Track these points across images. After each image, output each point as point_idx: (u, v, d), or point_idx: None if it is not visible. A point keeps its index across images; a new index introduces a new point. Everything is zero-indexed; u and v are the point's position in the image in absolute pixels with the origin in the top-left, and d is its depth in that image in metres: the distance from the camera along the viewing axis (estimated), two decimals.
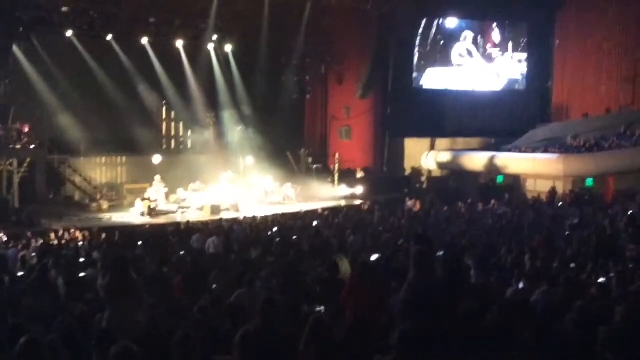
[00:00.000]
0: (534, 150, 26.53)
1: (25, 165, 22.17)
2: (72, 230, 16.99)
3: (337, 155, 28.03)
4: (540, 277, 8.53)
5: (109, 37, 24.47)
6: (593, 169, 23.71)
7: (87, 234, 16.89)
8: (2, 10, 20.32)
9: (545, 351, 4.86)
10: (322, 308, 6.25)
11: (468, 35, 31.81)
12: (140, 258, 11.02)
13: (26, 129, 22.30)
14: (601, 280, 8.54)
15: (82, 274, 10.57)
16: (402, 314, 5.22)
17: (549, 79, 32.54)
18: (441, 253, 6.68)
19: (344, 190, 26.34)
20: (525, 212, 18.77)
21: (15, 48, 22.25)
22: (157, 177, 22.79)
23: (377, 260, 8.52)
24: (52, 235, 16.36)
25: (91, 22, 23.91)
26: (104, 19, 24.15)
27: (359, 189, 26.39)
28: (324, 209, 21.21)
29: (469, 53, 31.94)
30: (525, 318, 5.34)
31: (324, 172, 28.04)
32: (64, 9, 23.11)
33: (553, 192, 23.06)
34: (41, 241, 15.20)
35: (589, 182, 23.82)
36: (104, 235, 16.46)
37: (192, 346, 4.37)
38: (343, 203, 23.95)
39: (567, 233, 13.82)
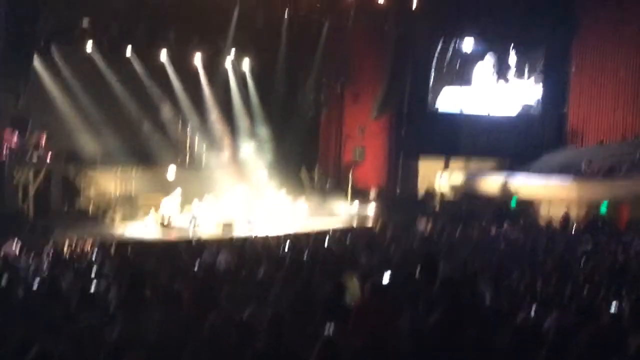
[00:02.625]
0: (548, 175, 26.40)
1: (41, 176, 22.33)
2: (85, 242, 17.04)
3: (350, 175, 28.04)
4: (552, 303, 8.49)
5: (128, 51, 24.72)
6: (607, 195, 23.54)
7: (99, 246, 16.94)
8: (23, 23, 20.58)
9: None
10: (332, 327, 6.23)
11: (489, 56, 31.84)
12: (152, 272, 11.05)
13: (43, 141, 22.52)
14: (614, 307, 8.47)
15: (93, 286, 10.62)
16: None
17: (565, 104, 32.41)
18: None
19: (356, 209, 26.30)
20: (538, 236, 18.65)
21: (35, 60, 22.49)
22: (178, 190, 22.90)
23: (388, 282, 8.48)
24: (65, 247, 16.41)
25: (110, 37, 24.17)
26: (124, 33, 24.41)
27: (372, 209, 26.35)
28: (335, 229, 21.17)
29: (489, 75, 31.96)
30: (536, 343, 5.30)
31: (337, 191, 28.03)
32: (85, 23, 23.39)
33: (566, 217, 22.91)
34: (54, 252, 15.25)
35: (603, 208, 23.65)
36: (116, 248, 16.50)
37: None
38: (355, 222, 23.89)
39: (580, 259, 13.72)
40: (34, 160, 22.13)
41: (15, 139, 21.92)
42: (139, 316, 6.31)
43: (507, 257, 14.46)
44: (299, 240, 18.59)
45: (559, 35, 31.60)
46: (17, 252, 15.61)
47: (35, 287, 10.58)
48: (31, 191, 21.99)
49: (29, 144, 22.13)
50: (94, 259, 15.09)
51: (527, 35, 31.33)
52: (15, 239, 16.89)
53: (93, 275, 12.19)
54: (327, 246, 16.55)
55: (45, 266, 13.40)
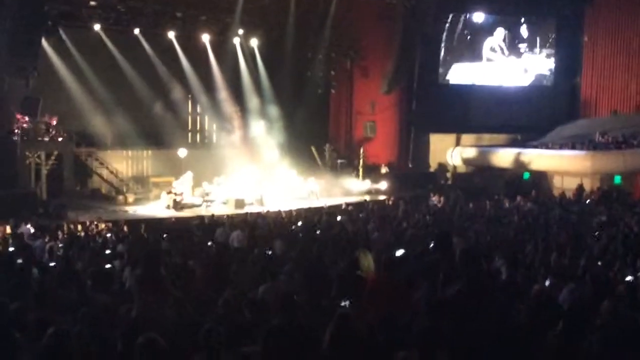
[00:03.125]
0: (561, 147, 26.22)
1: (53, 157, 22.46)
2: (98, 223, 17.15)
3: (361, 150, 27.96)
4: (567, 275, 8.44)
5: (136, 31, 24.63)
6: (621, 166, 23.37)
7: (112, 226, 17.04)
8: (31, 5, 20.52)
9: (573, 349, 4.80)
10: (347, 303, 6.22)
11: (499, 30, 31.51)
12: (166, 251, 11.09)
13: (54, 122, 22.58)
14: (629, 278, 8.42)
15: (107, 266, 10.68)
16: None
17: (577, 75, 32.09)
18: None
19: (368, 185, 26.27)
20: (552, 209, 18.56)
21: (44, 42, 22.47)
22: (189, 173, 22.97)
23: (402, 256, 8.46)
24: (79, 227, 16.51)
25: (118, 16, 24.07)
26: (131, 13, 24.29)
27: (383, 184, 26.32)
28: (347, 204, 21.16)
29: (500, 49, 31.66)
30: (553, 315, 5.27)
31: (349, 167, 27.98)
32: (92, 3, 23.29)
33: (580, 189, 22.78)
34: (68, 232, 15.36)
35: (617, 179, 23.49)
36: (129, 228, 16.58)
37: (218, 339, 4.37)
38: (367, 198, 23.85)
39: (594, 231, 13.65)
40: (46, 141, 22.21)
41: (26, 120, 22.00)
42: (158, 296, 6.31)
43: (520, 230, 14.39)
44: (311, 216, 18.61)
45: (571, 6, 31.19)
46: (32, 233, 15.72)
47: (50, 267, 10.66)
48: (43, 172, 22.13)
49: (40, 125, 22.19)
50: (107, 238, 15.20)
51: (538, 7, 30.96)
52: (30, 220, 17.04)
53: (107, 254, 12.26)
54: (340, 222, 16.54)
55: (59, 246, 13.48)
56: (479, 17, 31.23)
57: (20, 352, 4.60)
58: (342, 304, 6.24)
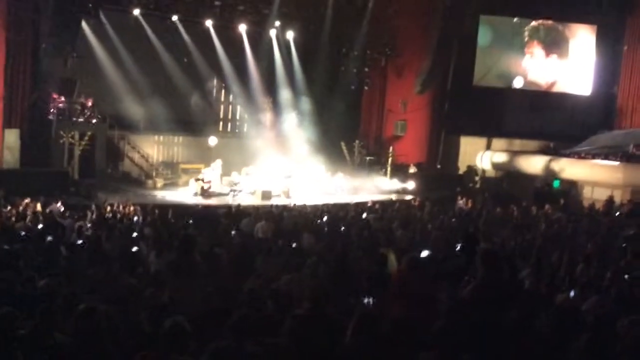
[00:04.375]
0: (593, 157, 25.87)
1: (86, 138, 22.80)
2: (127, 205, 17.37)
3: (391, 149, 27.90)
4: (591, 287, 8.37)
5: (174, 17, 24.85)
6: None
7: (140, 209, 17.25)
8: None
9: None
10: (370, 300, 6.25)
11: (538, 34, 31.22)
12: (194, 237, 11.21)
13: (89, 104, 22.91)
14: None
15: (134, 248, 10.85)
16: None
17: (615, 85, 31.61)
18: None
19: (395, 184, 26.21)
20: (580, 219, 18.35)
21: (83, 24, 22.77)
22: (219, 162, 23.18)
23: (427, 257, 8.46)
24: (108, 209, 16.75)
25: (158, 2, 24.30)
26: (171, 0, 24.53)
27: (411, 184, 26.23)
28: (374, 202, 21.14)
29: (535, 53, 31.35)
30: (576, 327, 5.25)
31: (377, 165, 27.94)
32: None
33: (610, 200, 22.46)
34: (97, 213, 15.60)
35: None
36: (157, 212, 16.79)
37: (247, 327, 4.43)
38: (394, 197, 23.80)
39: (622, 244, 13.47)
40: (81, 121, 22.57)
41: (62, 100, 22.36)
42: (189, 281, 6.38)
43: (547, 238, 14.27)
44: (337, 211, 18.66)
45: (612, 14, 30.72)
46: (62, 211, 16.01)
47: (78, 246, 10.85)
48: (76, 152, 22.48)
49: (75, 106, 22.54)
50: (135, 221, 15.41)
51: (578, 14, 30.55)
52: (60, 198, 17.34)
53: (134, 237, 12.44)
54: (365, 219, 16.56)
55: (88, 226, 13.70)
56: (515, 19, 30.96)
57: (49, 326, 4.71)
58: (366, 301, 6.28)
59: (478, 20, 30.34)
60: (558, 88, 31.94)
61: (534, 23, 31.20)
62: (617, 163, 24.10)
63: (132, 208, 17.19)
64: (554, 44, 31.55)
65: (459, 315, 4.94)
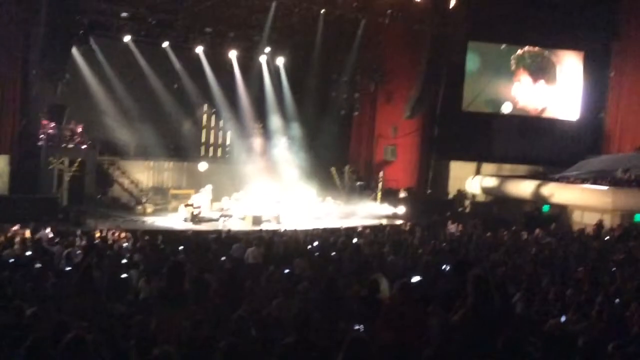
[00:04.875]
0: (582, 181, 26.01)
1: (76, 164, 22.74)
2: (117, 231, 17.27)
3: (381, 174, 27.96)
4: (582, 312, 8.36)
5: (165, 44, 24.97)
6: None
7: (130, 235, 17.15)
8: (63, 14, 20.90)
9: None
10: (361, 327, 6.22)
11: (525, 61, 31.57)
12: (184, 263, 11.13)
13: (79, 129, 22.91)
14: None
15: (123, 275, 10.76)
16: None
17: (602, 110, 31.91)
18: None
19: (386, 209, 26.23)
20: (570, 243, 18.38)
21: (74, 50, 22.84)
22: (209, 187, 23.18)
23: (418, 282, 8.44)
24: (97, 235, 16.64)
25: (148, 29, 24.42)
26: (161, 26, 24.65)
27: (401, 209, 26.26)
28: (364, 227, 21.13)
29: (523, 81, 31.68)
30: (567, 352, 5.23)
31: (367, 190, 27.98)
32: (123, 14, 23.69)
33: (600, 225, 22.54)
34: (86, 239, 15.49)
35: (637, 217, 23.21)
36: (146, 238, 16.69)
37: (235, 356, 4.39)
38: (384, 222, 23.80)
39: (612, 268, 13.49)
40: (70, 147, 22.52)
41: (52, 126, 22.33)
42: (178, 309, 6.33)
43: (537, 263, 14.27)
44: (327, 236, 18.60)
45: (599, 41, 31.11)
46: (51, 238, 15.88)
47: (67, 273, 10.76)
48: (66, 178, 22.40)
49: (65, 132, 22.50)
50: (124, 247, 15.30)
51: (565, 40, 30.93)
52: (49, 225, 17.22)
53: (124, 263, 12.34)
54: (356, 244, 16.51)
55: (77, 253, 13.59)
56: (504, 46, 31.32)
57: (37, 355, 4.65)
58: (356, 327, 6.24)
59: (466, 47, 30.68)
60: (547, 114, 32.21)
61: (519, 51, 31.57)
62: (606, 188, 24.22)
63: (122, 234, 17.09)
64: (541, 70, 31.91)
65: (449, 341, 4.92)
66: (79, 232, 16.69)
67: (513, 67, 31.63)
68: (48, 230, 16.51)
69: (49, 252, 13.07)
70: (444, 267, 12.14)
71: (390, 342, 5.29)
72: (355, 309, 7.60)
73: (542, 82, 31.90)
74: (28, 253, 13.22)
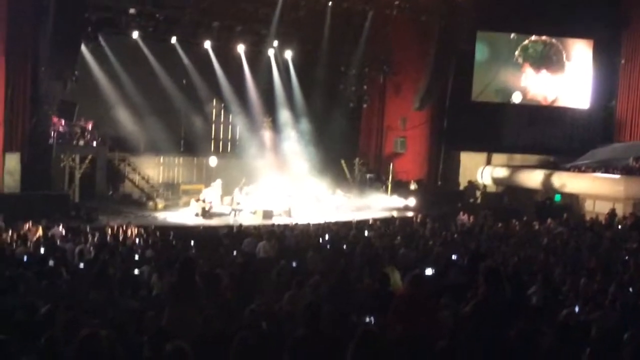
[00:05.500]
0: (594, 170, 25.87)
1: (87, 161, 22.83)
2: (128, 228, 17.34)
3: (391, 166, 27.92)
4: (596, 301, 8.33)
5: (173, 39, 24.98)
6: None
7: (142, 231, 17.23)
8: (72, 11, 20.94)
9: None
10: (372, 319, 6.21)
11: (535, 49, 31.36)
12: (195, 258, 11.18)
13: (89, 126, 22.99)
14: None
15: (136, 271, 10.82)
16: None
17: (613, 98, 31.68)
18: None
19: (396, 201, 26.20)
20: (582, 233, 18.30)
21: (83, 47, 22.89)
22: (219, 181, 23.22)
23: (430, 275, 8.43)
24: (109, 231, 16.73)
25: (156, 25, 24.43)
26: (169, 22, 24.65)
27: (412, 201, 26.22)
28: (375, 219, 21.12)
29: (530, 72, 31.48)
30: (581, 342, 5.21)
31: (377, 182, 27.95)
32: (131, 11, 23.69)
33: (612, 214, 22.42)
34: (98, 236, 15.57)
35: None
36: (158, 234, 16.76)
37: (248, 350, 4.40)
38: (395, 214, 23.79)
39: (625, 257, 13.43)
40: (81, 144, 22.61)
41: (62, 124, 22.42)
42: (190, 304, 6.35)
43: (550, 253, 14.21)
44: (338, 229, 18.62)
45: (608, 28, 30.84)
46: (63, 235, 15.98)
47: (79, 269, 10.82)
48: (77, 175, 22.50)
49: (75, 129, 22.59)
50: (137, 243, 15.38)
51: (575, 28, 30.67)
52: (61, 222, 17.32)
53: (136, 260, 12.41)
54: (367, 237, 16.52)
55: (89, 249, 13.67)
56: (513, 35, 31.14)
57: (50, 353, 4.68)
58: (367, 319, 6.24)
59: (475, 37, 30.50)
60: (557, 102, 32.00)
61: (524, 42, 31.32)
62: (618, 176, 24.08)
63: (134, 230, 17.16)
64: (544, 60, 31.60)
65: (461, 333, 4.91)
66: (91, 228, 16.78)
67: (518, 59, 31.39)
68: (60, 227, 16.61)
69: (61, 249, 13.14)
70: (453, 257, 12.15)
71: (401, 334, 5.29)
72: (367, 302, 7.60)
73: (544, 71, 31.61)
74: (41, 250, 13.31)
